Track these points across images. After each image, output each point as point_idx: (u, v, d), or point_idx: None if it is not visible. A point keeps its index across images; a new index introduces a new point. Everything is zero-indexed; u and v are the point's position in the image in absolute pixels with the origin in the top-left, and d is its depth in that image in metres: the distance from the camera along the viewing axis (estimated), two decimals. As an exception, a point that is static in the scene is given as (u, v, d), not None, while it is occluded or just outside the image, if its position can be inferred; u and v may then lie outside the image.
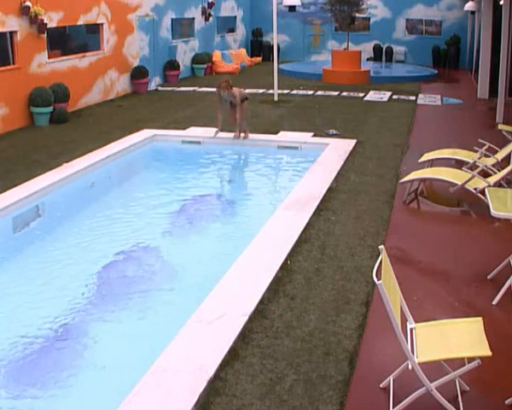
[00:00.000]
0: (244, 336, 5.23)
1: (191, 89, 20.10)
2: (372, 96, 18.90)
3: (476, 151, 9.44)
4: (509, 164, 8.69)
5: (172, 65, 21.40)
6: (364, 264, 6.68)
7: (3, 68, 13.51)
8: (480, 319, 4.46)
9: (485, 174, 8.74)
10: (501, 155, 9.40)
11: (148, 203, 9.46)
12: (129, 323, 5.91)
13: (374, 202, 8.79)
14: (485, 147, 9.53)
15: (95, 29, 17.35)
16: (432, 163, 9.92)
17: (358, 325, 5.44)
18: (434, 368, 4.33)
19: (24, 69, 14.03)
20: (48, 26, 14.50)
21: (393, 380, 4.53)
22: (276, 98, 17.42)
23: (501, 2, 15.46)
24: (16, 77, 13.74)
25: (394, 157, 11.28)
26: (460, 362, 4.27)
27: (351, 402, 4.43)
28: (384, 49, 27.98)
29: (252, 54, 29.02)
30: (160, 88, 20.19)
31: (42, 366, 5.17)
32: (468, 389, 4.52)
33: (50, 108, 14.13)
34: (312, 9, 28.88)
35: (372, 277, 4.23)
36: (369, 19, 27.85)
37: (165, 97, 18.46)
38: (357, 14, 22.79)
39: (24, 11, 13.77)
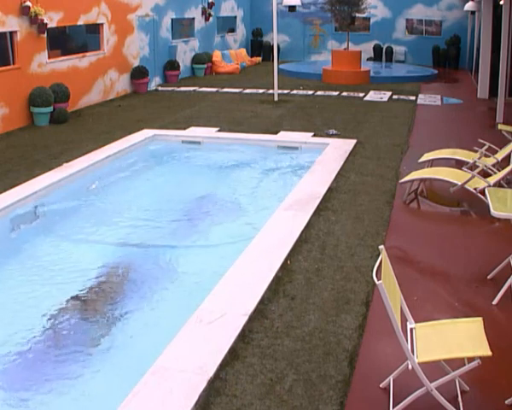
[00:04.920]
0: (244, 336, 5.23)
1: (191, 89, 20.10)
2: (372, 96, 18.90)
3: (476, 151, 9.44)
4: (509, 164, 8.69)
5: (172, 65, 21.41)
6: (364, 264, 6.68)
7: (3, 68, 13.51)
8: (480, 319, 4.46)
9: (485, 174, 8.75)
10: (501, 155, 9.40)
11: (149, 203, 9.48)
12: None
13: (374, 202, 8.79)
14: (485, 147, 9.54)
15: (95, 29, 17.36)
16: (432, 163, 9.93)
17: (358, 325, 5.44)
18: (434, 368, 4.33)
19: (24, 69, 14.03)
20: (48, 26, 14.51)
21: (393, 380, 4.53)
22: (276, 98, 17.42)
23: (501, 2, 15.46)
24: (16, 77, 13.75)
25: (394, 157, 11.28)
26: (460, 362, 4.26)
27: (351, 402, 4.43)
28: (384, 49, 27.97)
29: (252, 54, 29.03)
30: (159, 88, 20.20)
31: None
32: (468, 389, 4.52)
33: (50, 108, 14.14)
34: (312, 9, 28.88)
35: (372, 277, 4.23)
36: (369, 19, 27.84)
37: (165, 97, 18.46)
38: (357, 14, 22.80)
39: (24, 11, 13.78)
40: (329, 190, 9.24)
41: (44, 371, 5.16)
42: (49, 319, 5.95)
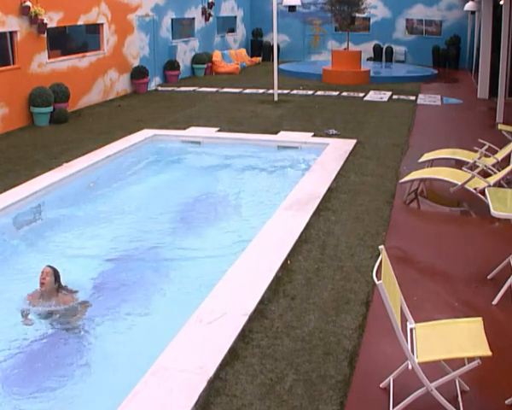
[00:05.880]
0: (244, 336, 5.23)
1: (191, 89, 20.10)
2: (372, 96, 18.90)
3: (476, 151, 9.44)
4: (509, 164, 8.69)
5: (172, 65, 21.41)
6: (364, 264, 6.68)
7: (3, 68, 13.51)
8: (480, 319, 4.46)
9: (485, 174, 8.75)
10: (501, 155, 9.40)
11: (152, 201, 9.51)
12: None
13: (374, 202, 8.79)
14: (485, 147, 9.54)
15: (95, 29, 17.36)
16: (432, 163, 9.93)
17: (358, 325, 5.44)
18: (434, 368, 4.33)
19: (24, 69, 14.03)
20: (48, 26, 14.51)
21: (393, 380, 4.53)
22: (276, 98, 17.42)
23: (501, 2, 15.46)
24: (16, 77, 13.74)
25: (394, 157, 11.27)
26: (460, 362, 4.27)
27: (351, 402, 4.43)
28: (384, 49, 27.97)
29: (252, 54, 29.03)
30: (159, 88, 20.20)
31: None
32: (468, 389, 4.52)
33: (50, 108, 14.14)
34: (312, 9, 28.88)
35: (372, 277, 4.23)
36: (369, 19, 27.84)
37: (165, 97, 18.46)
38: (357, 14, 22.80)
39: (24, 11, 13.77)
40: (329, 190, 9.24)
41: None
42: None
